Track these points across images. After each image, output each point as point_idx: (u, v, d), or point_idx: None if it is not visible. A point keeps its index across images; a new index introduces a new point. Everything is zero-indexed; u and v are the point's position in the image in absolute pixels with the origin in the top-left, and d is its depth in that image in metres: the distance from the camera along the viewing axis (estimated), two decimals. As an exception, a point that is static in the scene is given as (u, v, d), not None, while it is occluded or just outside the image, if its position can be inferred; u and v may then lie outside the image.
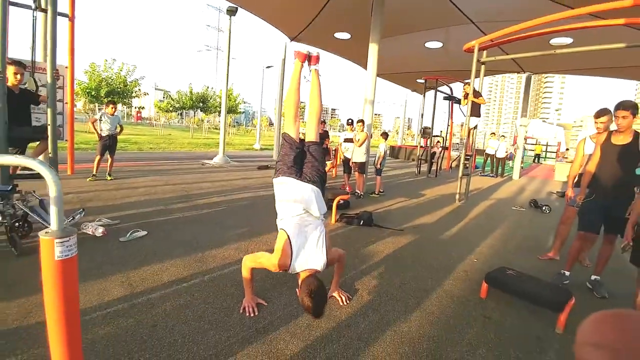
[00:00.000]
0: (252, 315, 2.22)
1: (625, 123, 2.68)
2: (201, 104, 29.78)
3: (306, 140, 2.48)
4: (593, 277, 2.98)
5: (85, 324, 1.91)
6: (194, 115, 38.78)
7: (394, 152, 21.98)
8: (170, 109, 32.62)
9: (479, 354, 2.03)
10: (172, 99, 32.06)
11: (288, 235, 2.10)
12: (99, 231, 3.38)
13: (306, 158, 2.39)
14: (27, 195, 3.06)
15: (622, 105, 2.69)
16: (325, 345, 1.99)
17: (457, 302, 2.66)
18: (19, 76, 3.58)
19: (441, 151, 12.13)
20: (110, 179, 6.27)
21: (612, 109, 2.90)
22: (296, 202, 2.21)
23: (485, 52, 6.45)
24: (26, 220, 3.04)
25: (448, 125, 12.66)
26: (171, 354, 1.80)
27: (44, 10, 4.44)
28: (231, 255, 3.22)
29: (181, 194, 5.69)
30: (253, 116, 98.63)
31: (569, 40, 8.20)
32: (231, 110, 28.89)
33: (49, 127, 3.41)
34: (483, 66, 6.54)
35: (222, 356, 1.82)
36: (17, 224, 2.90)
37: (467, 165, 7.07)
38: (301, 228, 2.13)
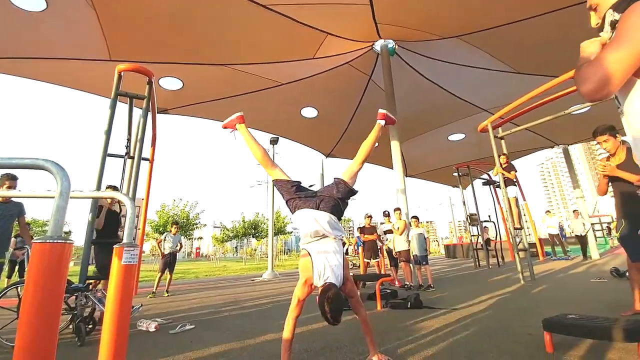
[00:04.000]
0: (286, 378, 2.16)
1: (608, 146, 2.78)
2: (253, 230, 32.06)
3: (339, 176, 2.62)
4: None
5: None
6: (247, 245, 41.15)
7: (450, 251, 20.75)
8: (226, 238, 35.29)
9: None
10: (227, 229, 35.04)
11: (309, 253, 2.30)
12: (152, 326, 3.62)
13: (329, 190, 2.53)
14: (97, 291, 3.53)
15: (598, 132, 2.85)
16: (361, 396, 1.84)
17: (518, 358, 2.31)
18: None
19: (494, 241, 11.33)
20: (167, 296, 6.72)
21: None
22: (315, 229, 2.38)
23: (500, 128, 6.88)
24: (92, 317, 3.43)
25: (498, 211, 12.19)
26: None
27: (132, 157, 5.91)
28: (272, 337, 3.19)
29: (230, 300, 5.88)
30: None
31: (587, 108, 8.46)
32: (280, 231, 30.50)
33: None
34: (503, 141, 6.86)
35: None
36: (85, 317, 3.29)
37: (520, 238, 6.60)
38: (320, 247, 2.31)
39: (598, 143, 2.90)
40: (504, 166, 6.85)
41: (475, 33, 6.60)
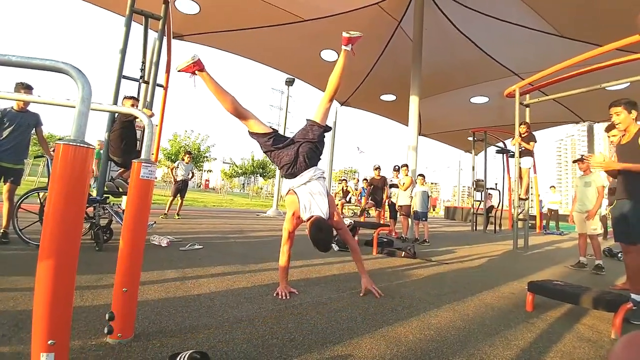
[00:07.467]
0: (284, 298, 2.38)
1: (618, 120, 2.71)
2: (261, 170, 32.83)
3: (311, 118, 2.59)
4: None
5: (143, 290, 2.25)
6: (254, 183, 42.27)
7: (450, 213, 21.07)
8: (234, 174, 36.33)
9: (514, 344, 1.89)
10: (236, 166, 35.91)
11: (294, 191, 2.49)
12: (164, 242, 3.91)
13: (304, 134, 2.53)
14: (114, 205, 3.76)
15: (614, 103, 2.77)
16: (349, 322, 2.05)
17: (497, 311, 2.50)
18: (135, 107, 4.47)
19: (495, 209, 11.41)
20: (178, 218, 7.11)
21: None
22: (297, 182, 2.52)
23: (527, 96, 6.55)
24: (110, 227, 3.69)
25: (505, 180, 12.09)
26: (210, 312, 2.02)
27: (147, 82, 5.84)
28: (272, 265, 3.42)
29: (236, 230, 6.23)
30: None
31: (625, 85, 7.91)
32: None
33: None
34: (528, 109, 6.58)
35: (253, 318, 1.99)
36: (102, 226, 3.54)
37: (523, 208, 6.65)
38: (305, 189, 2.49)
39: (610, 114, 2.84)
40: (524, 135, 6.62)
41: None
